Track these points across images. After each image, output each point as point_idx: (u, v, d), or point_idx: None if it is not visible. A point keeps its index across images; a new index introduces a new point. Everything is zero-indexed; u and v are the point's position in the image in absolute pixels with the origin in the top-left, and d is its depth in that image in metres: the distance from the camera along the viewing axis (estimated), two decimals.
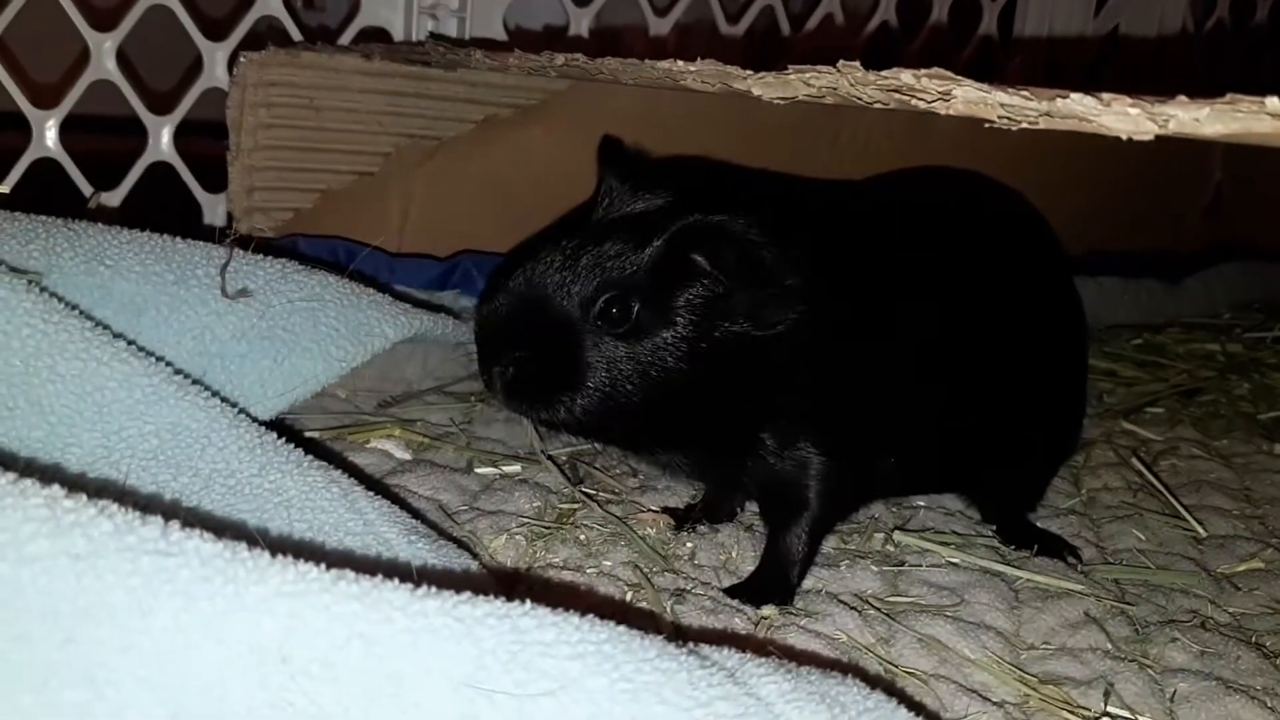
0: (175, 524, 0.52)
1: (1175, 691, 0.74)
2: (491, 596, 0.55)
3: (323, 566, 0.52)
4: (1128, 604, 0.85)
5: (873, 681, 0.62)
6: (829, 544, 0.91)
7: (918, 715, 0.59)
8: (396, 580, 0.54)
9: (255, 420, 0.78)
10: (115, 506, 0.51)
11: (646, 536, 0.86)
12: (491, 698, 0.52)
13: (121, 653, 0.48)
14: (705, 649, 0.58)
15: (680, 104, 1.34)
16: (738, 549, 0.87)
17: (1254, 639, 0.82)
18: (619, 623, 0.56)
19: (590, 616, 0.55)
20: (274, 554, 0.53)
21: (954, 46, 1.74)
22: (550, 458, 0.97)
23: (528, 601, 0.55)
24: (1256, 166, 1.89)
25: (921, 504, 1.00)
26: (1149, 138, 0.56)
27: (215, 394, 0.78)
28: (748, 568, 0.85)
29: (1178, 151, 1.83)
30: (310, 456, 0.75)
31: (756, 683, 0.57)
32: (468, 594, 0.54)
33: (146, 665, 0.48)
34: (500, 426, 1.05)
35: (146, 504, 0.54)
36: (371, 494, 0.74)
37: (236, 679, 0.49)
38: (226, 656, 0.49)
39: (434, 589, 0.54)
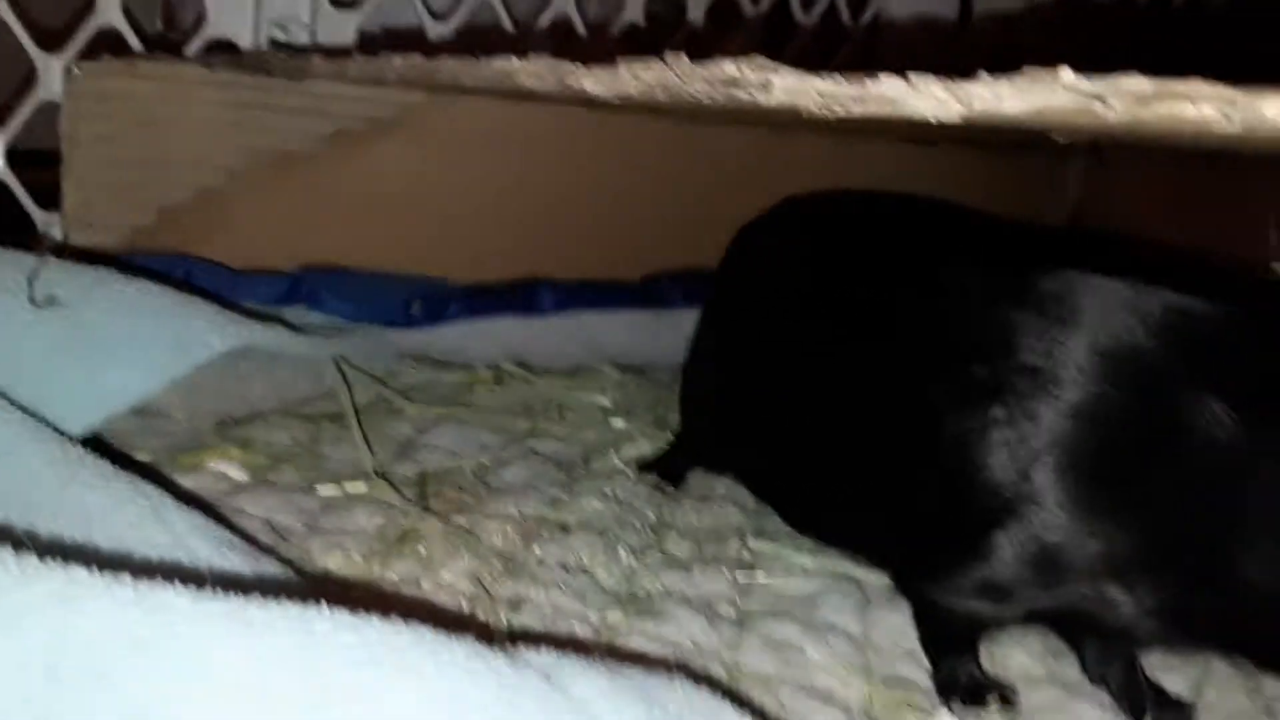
0: None
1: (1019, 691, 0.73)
2: (293, 601, 0.51)
3: (95, 570, 0.49)
4: None
5: (712, 684, 0.60)
6: (682, 548, 0.89)
7: (747, 714, 0.57)
8: (179, 584, 0.50)
9: (68, 436, 0.73)
10: None
11: (493, 546, 0.83)
12: (279, 705, 0.48)
13: None
14: (521, 650, 0.55)
15: (538, 120, 1.32)
16: (588, 553, 0.84)
17: None
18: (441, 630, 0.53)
19: (394, 619, 0.52)
20: (43, 558, 0.49)
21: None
22: (384, 476, 0.93)
23: (324, 603, 0.51)
24: (1113, 190, 1.94)
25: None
26: (957, 120, 0.55)
27: (21, 408, 0.73)
28: (601, 574, 0.82)
29: (1032, 173, 1.89)
30: (120, 470, 0.71)
31: (572, 683, 0.54)
32: (257, 595, 0.51)
33: None
34: (348, 446, 1.01)
35: None
36: (185, 507, 0.70)
37: None
38: None
39: (222, 592, 0.50)
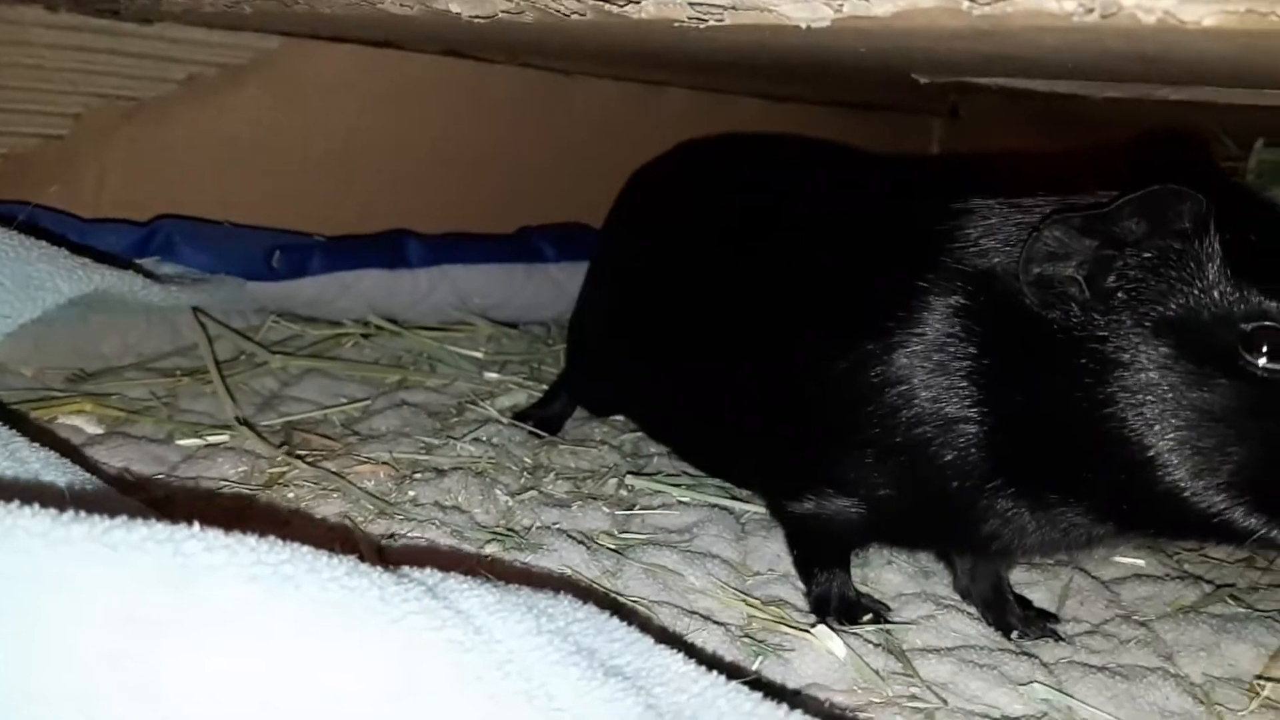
0: None
1: (892, 615, 0.75)
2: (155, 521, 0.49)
3: None
4: None
5: (598, 601, 0.59)
6: (560, 488, 0.89)
7: (634, 627, 0.57)
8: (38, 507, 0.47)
9: None
10: None
11: (364, 489, 0.81)
12: (154, 631, 0.46)
13: None
14: (405, 568, 0.54)
15: (403, 69, 1.29)
16: (464, 494, 0.83)
17: None
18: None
19: (271, 538, 0.50)
20: None
21: None
22: (247, 424, 0.90)
23: (195, 524, 0.49)
24: (973, 148, 2.01)
25: (656, 451, 0.99)
26: (826, 24, 0.56)
27: None
28: (478, 512, 0.81)
29: (898, 131, 1.94)
30: None
31: (458, 597, 0.53)
32: (123, 517, 0.48)
33: None
34: (208, 400, 0.98)
35: None
36: (39, 445, 0.66)
37: None
38: None
39: (83, 514, 0.48)
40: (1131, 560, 0.86)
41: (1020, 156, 0.96)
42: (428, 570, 0.55)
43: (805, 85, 1.70)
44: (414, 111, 1.32)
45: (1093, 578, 0.82)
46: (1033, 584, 0.81)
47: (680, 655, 0.55)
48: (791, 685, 0.63)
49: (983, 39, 0.59)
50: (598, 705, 0.50)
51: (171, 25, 1.12)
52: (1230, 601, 0.79)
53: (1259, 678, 0.68)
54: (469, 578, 0.55)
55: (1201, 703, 0.65)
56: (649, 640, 0.56)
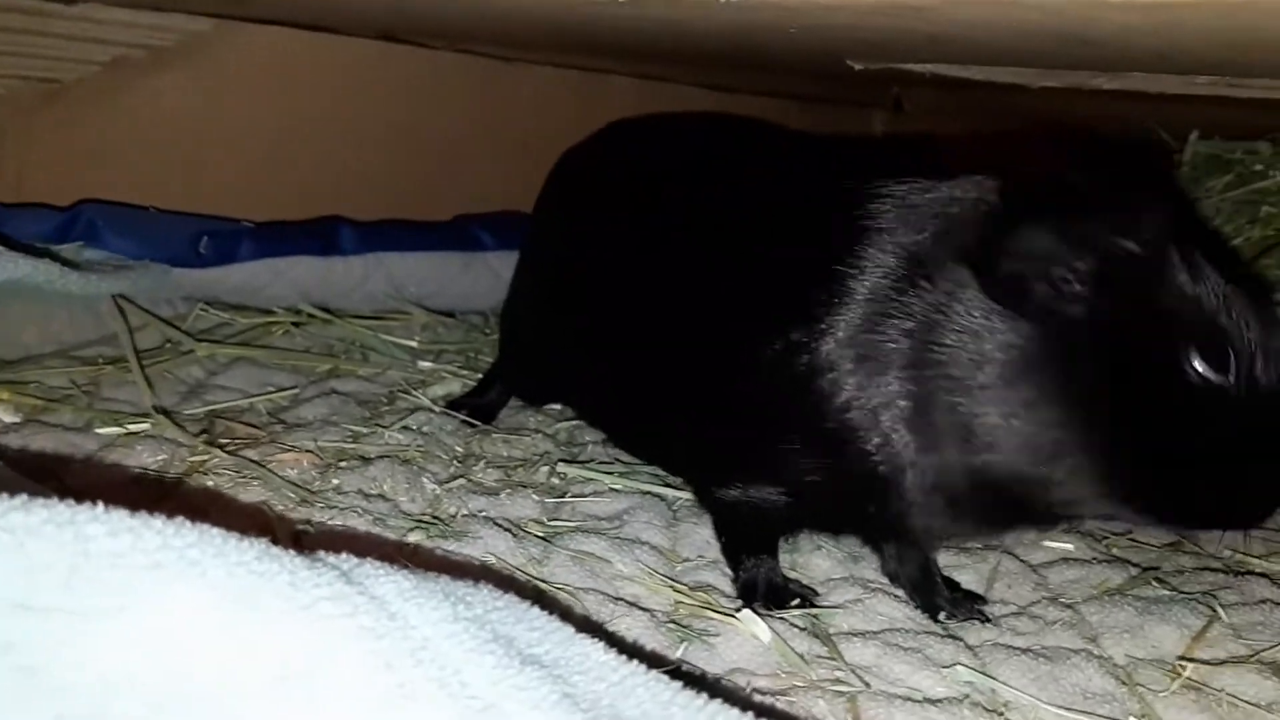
0: None
1: (820, 599, 0.74)
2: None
3: None
4: None
5: (520, 590, 0.58)
6: (490, 476, 0.88)
7: (553, 614, 0.56)
8: None
9: None
10: None
11: (286, 477, 0.80)
12: (45, 619, 0.45)
13: None
14: (320, 554, 0.53)
15: (337, 53, 1.28)
16: (390, 482, 0.82)
17: None
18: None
19: (180, 520, 0.49)
20: None
21: None
22: (166, 413, 0.88)
23: (100, 505, 0.48)
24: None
25: (590, 439, 0.99)
26: None
27: None
28: (403, 500, 0.80)
29: (841, 123, 1.94)
30: None
31: (373, 583, 0.52)
32: (23, 498, 0.47)
33: None
34: (130, 388, 0.95)
35: None
36: None
37: None
38: None
39: None
40: (1060, 545, 0.86)
41: (945, 140, 0.96)
42: (343, 556, 0.54)
43: (750, 75, 1.70)
44: (348, 97, 1.30)
45: (1021, 561, 0.82)
46: (961, 566, 0.81)
47: (601, 644, 0.54)
48: (715, 671, 0.63)
49: (902, 13, 0.59)
50: (512, 693, 0.49)
51: (96, 6, 1.10)
52: (1156, 584, 0.79)
53: (1181, 659, 0.68)
54: (386, 564, 0.55)
55: (1124, 683, 0.66)
56: (569, 629, 0.55)
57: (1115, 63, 0.94)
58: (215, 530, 0.50)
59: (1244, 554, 0.85)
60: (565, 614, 0.61)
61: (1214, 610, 0.74)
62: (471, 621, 0.52)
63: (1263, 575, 0.82)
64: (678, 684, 0.51)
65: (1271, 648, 0.70)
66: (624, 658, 0.53)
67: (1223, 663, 0.68)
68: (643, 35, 1.11)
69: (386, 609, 0.51)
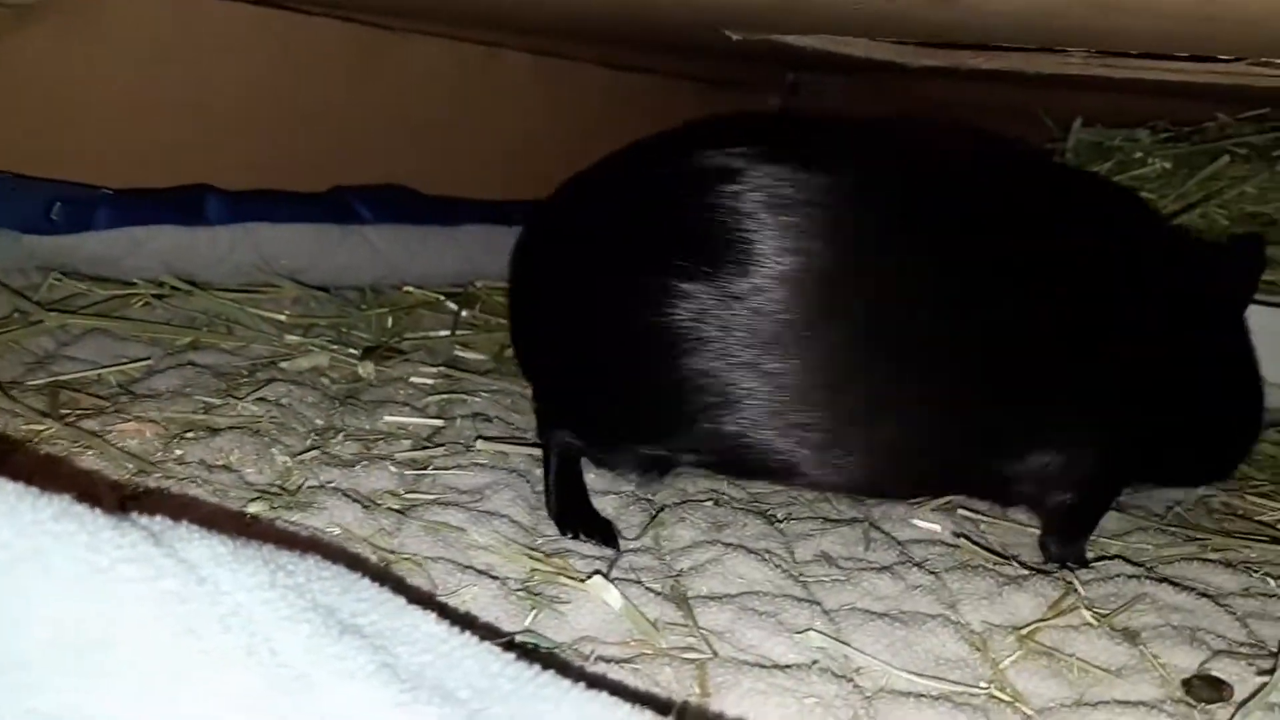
0: None
1: (679, 564, 0.73)
2: None
3: None
4: (651, 495, 0.85)
5: (360, 564, 0.56)
6: (349, 449, 0.84)
7: (386, 588, 0.53)
8: None
9: None
10: None
11: (125, 448, 0.76)
12: None
13: None
14: (131, 515, 0.50)
15: (209, 15, 1.22)
16: (238, 453, 0.78)
17: (765, 512, 0.84)
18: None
19: None
20: None
21: None
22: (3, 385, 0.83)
23: None
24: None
25: (459, 415, 0.96)
26: None
27: None
28: (249, 471, 0.77)
29: (737, 106, 1.93)
30: None
31: (185, 546, 0.49)
32: None
33: None
34: None
35: None
36: None
37: None
38: None
39: None
40: (928, 525, 0.85)
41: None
42: (157, 518, 0.50)
43: (647, 55, 1.68)
44: (221, 61, 1.25)
45: (886, 534, 0.82)
46: (824, 531, 0.80)
47: (432, 615, 0.51)
48: (562, 639, 0.61)
49: None
50: (328, 662, 0.46)
51: None
52: (1017, 565, 0.79)
53: (1033, 624, 0.68)
54: (205, 529, 0.52)
55: (977, 649, 0.65)
56: (400, 600, 0.52)
57: (983, 34, 0.94)
58: (8, 485, 0.46)
59: (1106, 539, 0.86)
60: (400, 585, 0.59)
61: (1071, 583, 0.74)
62: (290, 589, 0.49)
63: (1119, 557, 0.83)
64: (509, 655, 0.49)
65: (1121, 610, 0.70)
66: (455, 629, 0.51)
67: (1075, 627, 0.67)
68: (524, 2, 1.09)
69: (196, 573, 0.48)
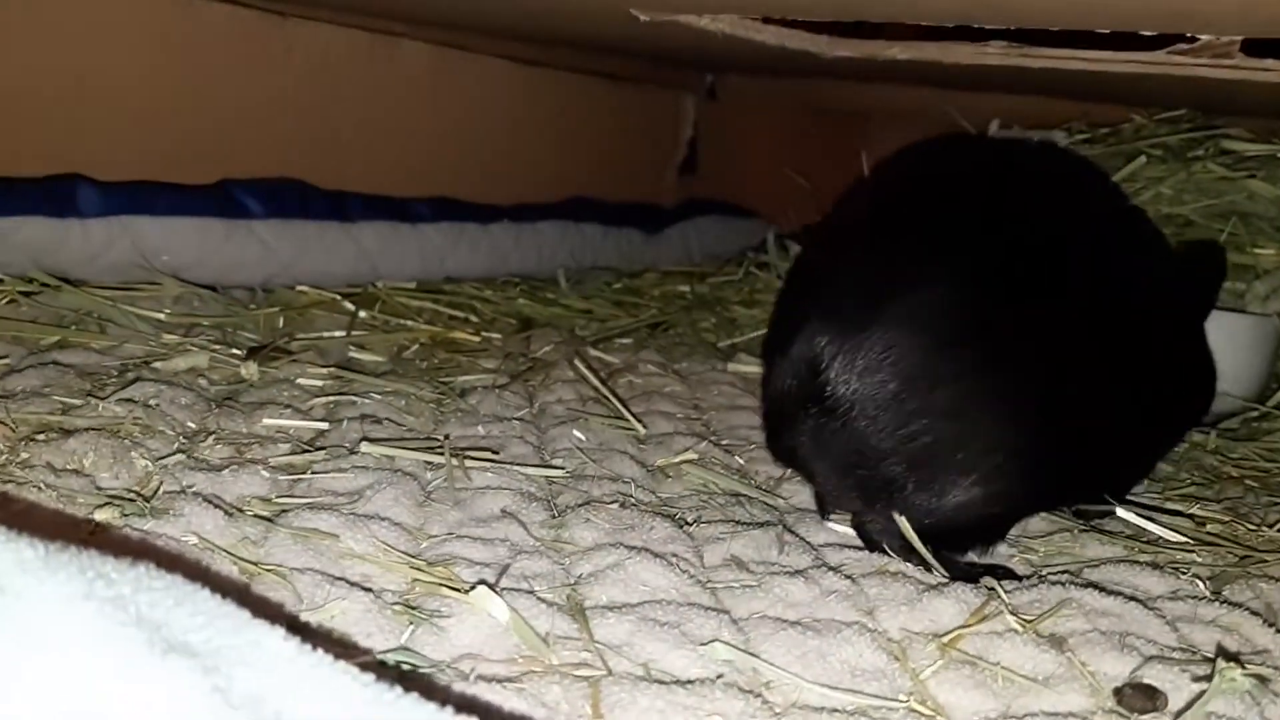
0: None
1: (578, 570, 0.67)
2: None
3: None
4: (552, 494, 0.79)
5: (215, 580, 0.49)
6: (219, 453, 0.77)
7: (226, 598, 0.47)
8: None
9: None
10: None
11: None
12: None
13: None
14: None
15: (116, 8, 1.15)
16: (92, 457, 0.71)
17: (674, 515, 0.78)
18: None
19: None
20: None
21: None
22: None
23: None
24: (729, 130, 1.99)
25: (347, 417, 0.89)
26: None
27: None
28: (104, 476, 0.70)
29: (650, 106, 1.89)
30: None
31: None
32: None
33: None
34: None
35: None
36: None
37: None
38: None
39: None
40: (844, 529, 0.81)
41: None
42: None
43: (557, 51, 1.63)
44: (97, 46, 1.17)
45: (799, 537, 0.77)
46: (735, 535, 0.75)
47: (280, 631, 0.45)
48: (440, 657, 0.54)
49: None
50: (144, 686, 0.40)
51: None
52: (937, 572, 0.74)
53: (955, 631, 0.63)
54: (14, 533, 0.45)
55: (896, 659, 0.60)
56: (244, 614, 0.46)
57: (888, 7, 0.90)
58: None
59: (1029, 539, 0.82)
60: (250, 599, 0.53)
61: (993, 589, 0.69)
62: (107, 602, 0.43)
63: (1042, 562, 0.79)
64: (368, 676, 0.43)
65: (1047, 615, 0.66)
66: (306, 646, 0.44)
67: (999, 634, 0.63)
68: None
69: None
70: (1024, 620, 0.65)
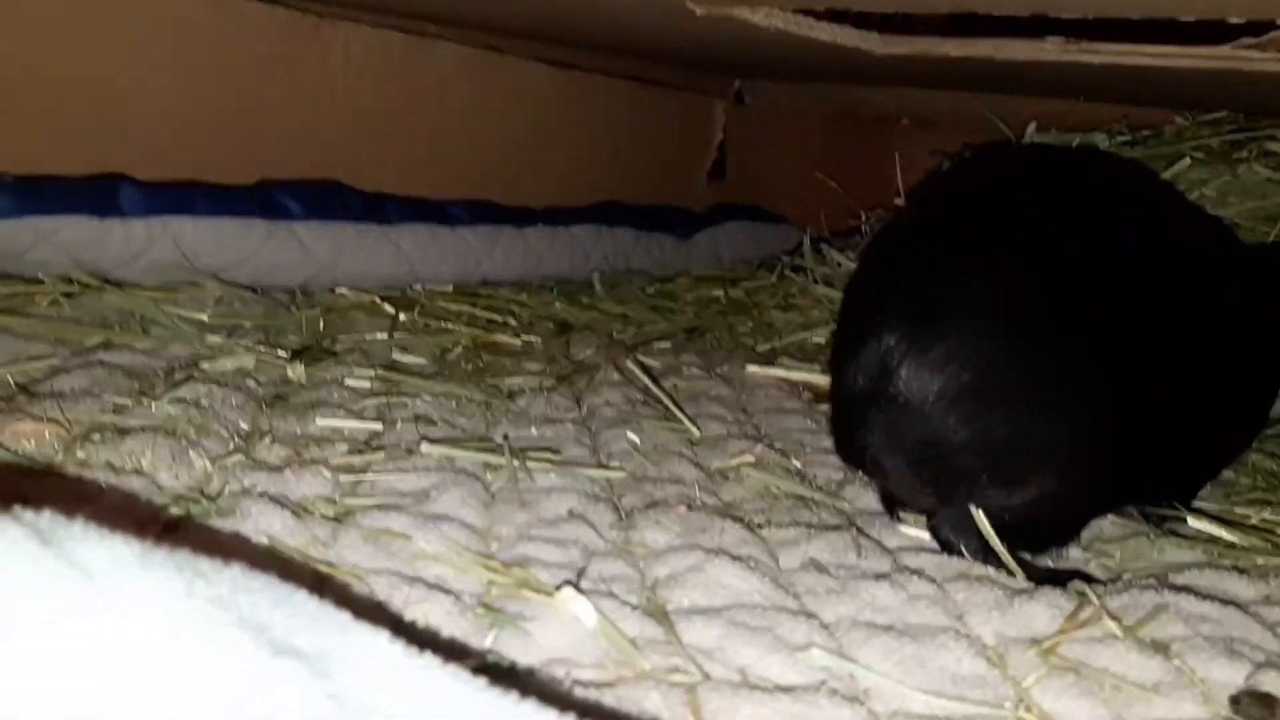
0: None
1: (655, 573, 0.65)
2: None
3: None
4: (615, 496, 0.77)
5: (295, 574, 0.47)
6: (277, 454, 0.75)
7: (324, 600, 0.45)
8: None
9: None
10: None
11: (22, 450, 0.66)
12: None
13: None
14: (19, 511, 0.41)
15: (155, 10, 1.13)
16: (150, 456, 0.69)
17: (742, 518, 0.76)
18: None
19: None
20: None
21: None
22: None
23: None
24: (758, 135, 1.98)
25: (400, 418, 0.87)
26: None
27: None
28: (164, 476, 0.68)
29: (681, 110, 1.88)
30: None
31: (76, 546, 0.40)
32: None
33: None
34: None
35: None
36: None
37: None
38: None
39: None
40: (917, 531, 0.78)
41: None
42: (45, 513, 0.42)
43: (590, 55, 1.62)
44: (135, 48, 1.15)
45: (874, 540, 0.75)
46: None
47: (386, 633, 0.43)
48: (530, 662, 0.52)
49: None
50: (264, 688, 0.38)
51: None
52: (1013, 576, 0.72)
53: (1054, 636, 0.61)
54: (115, 532, 0.43)
55: (994, 665, 0.58)
56: (345, 615, 0.44)
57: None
58: None
59: (1103, 544, 0.80)
60: (343, 600, 0.50)
61: (1084, 593, 0.67)
62: (209, 601, 0.41)
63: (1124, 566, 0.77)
64: (481, 681, 0.40)
65: (1146, 621, 0.63)
66: (415, 649, 0.42)
67: (1099, 640, 0.61)
68: None
69: (92, 578, 0.39)
70: (1124, 626, 0.62)
